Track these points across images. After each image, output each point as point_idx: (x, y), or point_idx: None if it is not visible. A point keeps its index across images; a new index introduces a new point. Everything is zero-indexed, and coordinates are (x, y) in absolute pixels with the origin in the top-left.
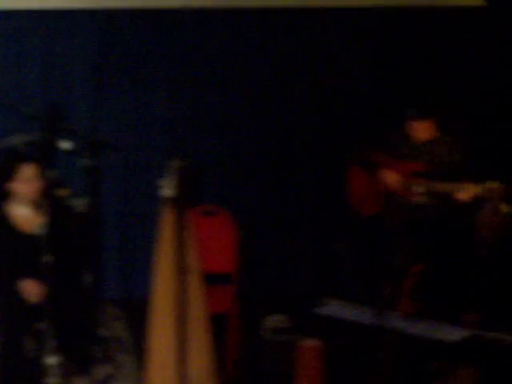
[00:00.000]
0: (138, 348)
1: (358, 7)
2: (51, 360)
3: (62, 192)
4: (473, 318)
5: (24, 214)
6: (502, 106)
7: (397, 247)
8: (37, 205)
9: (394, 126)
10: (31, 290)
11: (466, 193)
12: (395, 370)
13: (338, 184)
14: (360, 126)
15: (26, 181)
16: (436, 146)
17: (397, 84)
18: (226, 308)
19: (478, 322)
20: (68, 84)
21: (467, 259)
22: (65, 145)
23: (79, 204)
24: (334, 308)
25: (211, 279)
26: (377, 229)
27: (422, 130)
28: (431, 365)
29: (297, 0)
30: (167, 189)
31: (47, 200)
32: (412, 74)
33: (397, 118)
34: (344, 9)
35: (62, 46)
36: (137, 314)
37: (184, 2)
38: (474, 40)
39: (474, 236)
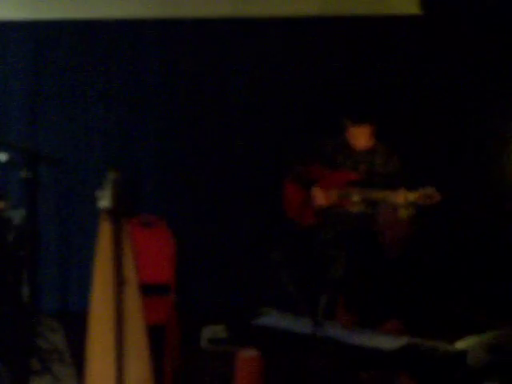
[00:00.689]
0: (76, 359)
1: (294, 17)
2: None
3: (0, 204)
4: (393, 326)
5: None
6: (437, 113)
7: (333, 258)
8: None
9: (330, 134)
10: None
11: (401, 199)
12: (332, 380)
13: (275, 194)
14: (297, 135)
15: None
16: (373, 155)
17: (334, 93)
18: (164, 319)
19: (399, 330)
20: (4, 96)
21: (382, 265)
22: (0, 157)
23: (16, 216)
24: (272, 318)
25: (149, 290)
26: (314, 239)
27: (360, 137)
28: (368, 374)
29: (229, 10)
30: (104, 200)
31: None
32: (349, 83)
33: (334, 126)
34: (279, 18)
35: None
36: (75, 326)
37: (120, 13)
38: (410, 48)
39: (380, 239)
